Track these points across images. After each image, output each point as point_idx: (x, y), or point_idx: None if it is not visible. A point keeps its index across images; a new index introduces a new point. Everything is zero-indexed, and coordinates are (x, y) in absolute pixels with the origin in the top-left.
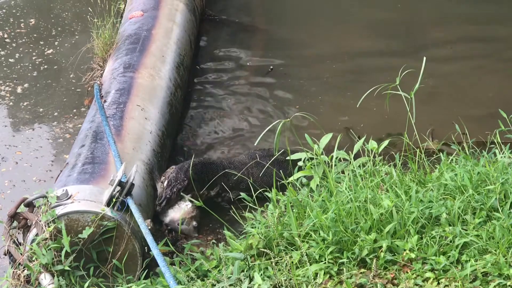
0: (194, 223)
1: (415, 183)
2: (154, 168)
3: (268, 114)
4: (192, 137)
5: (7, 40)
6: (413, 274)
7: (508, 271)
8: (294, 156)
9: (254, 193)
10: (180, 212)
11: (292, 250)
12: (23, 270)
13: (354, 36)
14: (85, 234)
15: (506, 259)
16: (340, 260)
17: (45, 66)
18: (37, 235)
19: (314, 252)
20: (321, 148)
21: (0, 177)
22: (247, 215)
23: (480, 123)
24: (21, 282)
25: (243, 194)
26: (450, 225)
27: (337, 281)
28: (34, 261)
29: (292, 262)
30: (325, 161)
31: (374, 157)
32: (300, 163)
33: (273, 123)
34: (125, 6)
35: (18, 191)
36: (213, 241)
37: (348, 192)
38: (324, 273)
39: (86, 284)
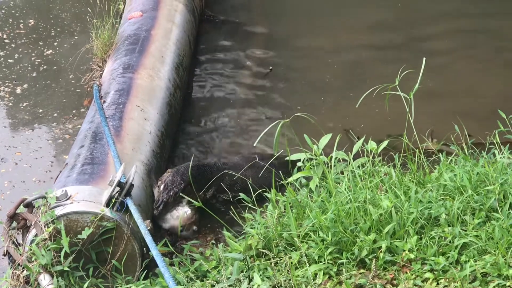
0: (194, 227)
1: (415, 183)
2: (152, 171)
3: (268, 114)
4: (191, 138)
5: (6, 40)
6: (412, 274)
7: (508, 271)
8: (293, 157)
9: (248, 194)
10: (179, 220)
11: (291, 250)
12: (23, 271)
13: (355, 35)
14: (85, 234)
15: (505, 259)
16: (340, 261)
17: (45, 67)
18: (36, 235)
19: (314, 252)
20: (320, 149)
21: None
22: (246, 215)
23: (480, 123)
24: (21, 282)
25: (242, 195)
26: (449, 226)
27: (337, 282)
28: (33, 261)
29: (292, 263)
30: (324, 162)
31: (374, 157)
32: (299, 164)
33: (272, 124)
34: (124, 6)
35: (18, 192)
36: (213, 241)
37: (348, 192)
38: (324, 273)
39: (86, 285)
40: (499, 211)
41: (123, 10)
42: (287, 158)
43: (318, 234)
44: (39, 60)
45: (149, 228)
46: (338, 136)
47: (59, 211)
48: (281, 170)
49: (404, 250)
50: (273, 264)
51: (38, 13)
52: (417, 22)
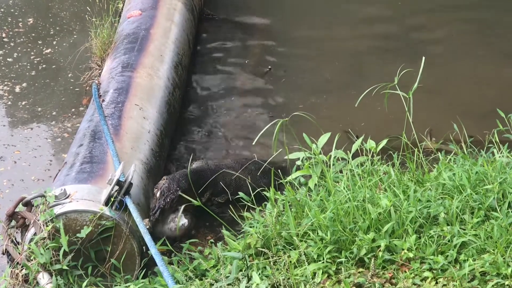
0: (193, 232)
1: (414, 182)
2: (151, 170)
3: (267, 113)
4: (191, 136)
5: (5, 39)
6: (411, 273)
7: (506, 270)
8: (292, 156)
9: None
10: (180, 231)
11: (290, 249)
12: (21, 269)
13: (356, 33)
14: (83, 233)
15: (504, 258)
16: (338, 260)
17: (44, 66)
18: (35, 234)
19: (312, 251)
20: (319, 148)
21: None
22: (245, 214)
23: (479, 122)
24: (19, 281)
25: (241, 194)
26: (448, 225)
27: (335, 281)
28: (32, 260)
29: (290, 262)
30: (323, 161)
31: (373, 156)
32: (298, 163)
33: (271, 123)
34: (123, 5)
35: (17, 191)
36: (211, 240)
37: (346, 191)
38: (322, 272)
39: (84, 284)
40: (498, 210)
41: (122, 9)
42: (285, 157)
43: (317, 233)
44: (38, 59)
45: (148, 227)
46: (337, 135)
47: (58, 210)
48: (265, 175)
49: (403, 249)
50: (272, 263)
51: (37, 12)
52: (417, 20)
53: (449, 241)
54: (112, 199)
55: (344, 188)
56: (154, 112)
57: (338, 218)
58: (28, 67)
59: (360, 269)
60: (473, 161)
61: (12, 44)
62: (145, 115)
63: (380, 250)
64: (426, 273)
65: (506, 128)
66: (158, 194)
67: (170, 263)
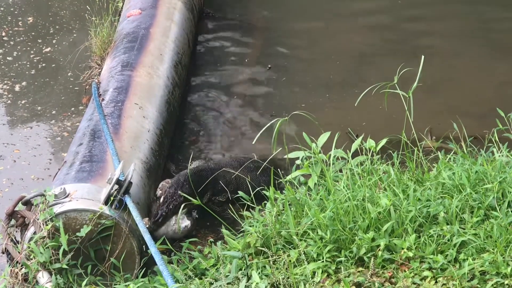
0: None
1: (413, 182)
2: (150, 169)
3: (268, 112)
4: (190, 135)
5: (5, 38)
6: (411, 272)
7: (506, 269)
8: (292, 155)
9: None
10: (181, 232)
11: (290, 248)
12: (21, 268)
13: (355, 33)
14: (83, 232)
15: (504, 257)
16: (338, 259)
17: (43, 64)
18: (35, 233)
19: (312, 250)
20: (319, 147)
21: None
22: (245, 213)
23: (479, 121)
24: (19, 280)
25: (240, 193)
26: (448, 224)
27: (335, 280)
28: (32, 259)
29: (290, 261)
30: (323, 160)
31: (372, 155)
32: (298, 162)
33: (271, 122)
34: (123, 4)
35: (16, 190)
36: (211, 239)
37: (346, 190)
38: (322, 271)
39: (84, 283)
40: (498, 209)
41: (121, 8)
42: (285, 156)
43: (317, 232)
44: (37, 58)
45: (147, 226)
46: (337, 134)
47: (57, 209)
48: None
49: (402, 248)
50: (271, 262)
51: (37, 10)
52: (417, 18)
53: (448, 240)
54: (112, 198)
55: (343, 187)
56: (154, 111)
57: (337, 217)
58: (28, 66)
59: (360, 268)
60: (473, 161)
61: (12, 43)
62: (144, 114)
63: (379, 249)
64: (426, 272)
65: (506, 127)
66: (161, 200)
67: (170, 262)
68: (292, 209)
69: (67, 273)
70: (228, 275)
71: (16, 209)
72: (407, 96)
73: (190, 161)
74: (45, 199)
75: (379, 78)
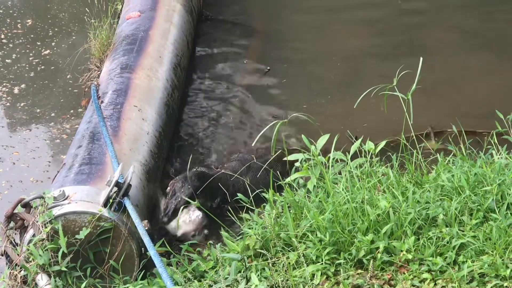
0: (206, 231)
1: (412, 184)
2: (150, 171)
3: (265, 114)
4: (190, 138)
5: (4, 40)
6: (410, 275)
7: (505, 272)
8: (291, 157)
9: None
10: (192, 224)
11: (289, 251)
12: (20, 271)
13: (355, 34)
14: (82, 234)
15: (503, 260)
16: (337, 261)
17: (42, 67)
18: (34, 235)
19: (311, 253)
20: (318, 149)
21: None
22: (244, 216)
23: (479, 123)
24: (18, 282)
25: (239, 195)
26: (447, 226)
27: (334, 282)
28: (31, 261)
29: (289, 263)
30: (322, 162)
31: (372, 158)
32: (297, 164)
33: (270, 124)
34: (122, 6)
35: (15, 192)
36: (210, 242)
37: (345, 193)
38: (321, 274)
39: (83, 285)
40: (497, 211)
41: (121, 10)
42: (284, 159)
43: (316, 235)
44: (36, 60)
45: (146, 228)
46: (336, 136)
47: (56, 211)
48: (279, 168)
49: (401, 251)
50: (270, 265)
51: (36, 13)
52: (417, 20)
53: (448, 242)
54: (111, 201)
55: (343, 189)
56: (153, 113)
57: (337, 219)
58: (27, 68)
59: (359, 271)
60: (472, 163)
61: (10, 45)
62: (144, 117)
63: (378, 252)
64: (425, 275)
65: (505, 129)
66: (170, 194)
67: (169, 264)
68: (291, 211)
69: (66, 276)
70: (227, 277)
71: (15, 211)
72: (406, 98)
73: (189, 162)
74: (44, 201)
75: (379, 80)
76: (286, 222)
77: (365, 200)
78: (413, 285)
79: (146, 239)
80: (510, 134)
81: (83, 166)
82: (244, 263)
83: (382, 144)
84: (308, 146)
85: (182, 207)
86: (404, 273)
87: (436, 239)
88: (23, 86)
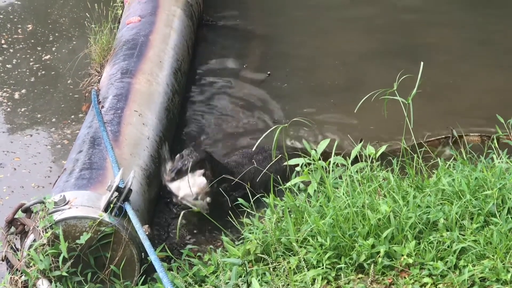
0: (208, 198)
1: (413, 188)
2: (150, 176)
3: (266, 119)
4: (190, 142)
5: (4, 45)
6: (411, 279)
7: (506, 276)
8: (291, 162)
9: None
10: (195, 187)
11: (289, 255)
12: (21, 276)
13: (356, 38)
14: (83, 239)
15: (504, 264)
16: (338, 266)
17: (43, 72)
18: (34, 240)
19: (312, 257)
20: (319, 154)
21: None
22: (244, 220)
23: (480, 127)
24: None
25: (240, 200)
26: (447, 230)
27: (335, 287)
28: (31, 267)
29: (290, 268)
30: (322, 167)
31: (372, 162)
32: (297, 169)
33: (271, 129)
34: (122, 11)
35: (16, 197)
36: (211, 246)
37: (346, 197)
38: (322, 278)
39: None
40: (498, 215)
41: (121, 15)
42: (285, 163)
43: (317, 239)
44: (37, 65)
45: (147, 233)
46: (336, 140)
47: (57, 216)
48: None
49: (402, 255)
50: (271, 269)
51: (36, 18)
52: (418, 24)
53: (448, 246)
54: (112, 205)
55: (343, 194)
56: (154, 118)
57: (337, 224)
58: (27, 73)
59: (360, 275)
60: (473, 167)
61: (11, 50)
62: (144, 121)
63: (379, 256)
64: (426, 279)
65: (505, 133)
66: (177, 157)
67: (170, 269)
68: (292, 216)
69: (67, 281)
70: (228, 282)
71: (16, 216)
72: (407, 102)
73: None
74: (45, 206)
75: (381, 84)
76: (286, 226)
77: (366, 204)
78: None
79: (146, 244)
80: (511, 138)
81: (84, 171)
82: (245, 268)
83: (383, 148)
84: (308, 151)
85: (186, 171)
86: (405, 278)
87: (437, 243)
88: (23, 91)
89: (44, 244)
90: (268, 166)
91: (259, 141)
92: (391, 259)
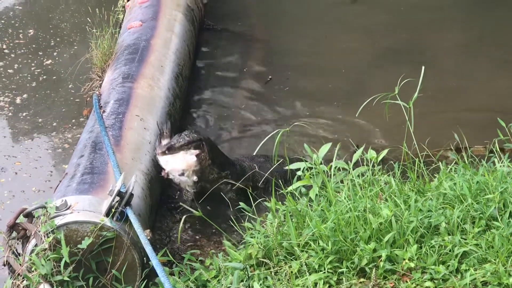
0: (195, 177)
1: (414, 192)
2: (152, 181)
3: (267, 123)
4: None
5: (6, 51)
6: (412, 283)
7: (508, 280)
8: (293, 166)
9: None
10: (183, 163)
11: (291, 259)
12: (22, 281)
13: (357, 42)
14: (84, 244)
15: (505, 268)
16: (340, 270)
17: (44, 77)
18: (36, 245)
19: (314, 261)
20: (320, 158)
21: None
22: (246, 225)
23: (480, 131)
24: None
25: (242, 204)
26: (449, 234)
27: None
28: (33, 271)
29: (292, 272)
30: (324, 171)
31: (374, 166)
32: (299, 173)
33: (272, 133)
34: (123, 16)
35: (18, 202)
36: (213, 251)
37: (347, 201)
38: (324, 282)
39: None
40: (499, 219)
41: (122, 20)
42: (286, 167)
43: (318, 243)
44: (38, 70)
45: (149, 237)
46: (338, 144)
47: (59, 221)
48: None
49: (404, 259)
50: (273, 273)
51: (38, 23)
52: (420, 28)
53: (450, 250)
54: (113, 210)
55: (345, 198)
56: (155, 123)
57: (339, 228)
58: (29, 78)
59: (361, 279)
60: (474, 171)
61: (12, 55)
62: (145, 126)
63: (381, 260)
64: (428, 283)
65: (506, 137)
66: (176, 135)
67: (171, 274)
68: (293, 220)
69: (69, 285)
70: (230, 287)
71: (18, 221)
72: (408, 106)
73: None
74: (47, 211)
75: (382, 88)
76: (288, 231)
77: (367, 208)
78: None
79: (148, 249)
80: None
81: (85, 176)
82: (246, 272)
83: (384, 152)
84: (310, 155)
85: (179, 147)
86: (406, 282)
87: (439, 247)
88: (25, 96)
89: (45, 249)
90: (270, 170)
91: (260, 144)
92: (393, 263)
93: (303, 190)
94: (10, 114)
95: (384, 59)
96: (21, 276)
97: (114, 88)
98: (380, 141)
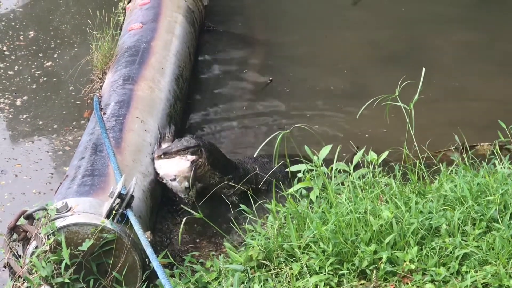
0: (186, 183)
1: (415, 194)
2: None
3: (268, 125)
4: None
5: (6, 52)
6: (413, 285)
7: (509, 282)
8: (293, 168)
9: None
10: (176, 168)
11: (292, 261)
12: (23, 283)
13: (358, 44)
14: (85, 246)
15: (506, 270)
16: (340, 272)
17: (45, 79)
18: (36, 247)
19: (314, 263)
20: (321, 160)
21: None
22: (246, 227)
23: (481, 133)
24: None
25: (243, 206)
26: (450, 236)
27: None
28: (34, 273)
29: (292, 274)
30: (325, 173)
31: (374, 168)
32: (299, 175)
33: (273, 135)
34: (124, 18)
35: (18, 204)
36: (213, 253)
37: (348, 203)
38: (324, 284)
39: None
40: (500, 221)
41: (123, 22)
42: (287, 170)
43: (319, 245)
44: (39, 72)
45: (149, 239)
46: (338, 147)
47: (59, 223)
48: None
49: (405, 261)
50: (273, 275)
51: (38, 25)
52: (420, 29)
53: (451, 252)
54: (114, 212)
55: (345, 200)
56: (156, 124)
57: (339, 230)
58: (29, 80)
59: (362, 281)
60: (475, 173)
61: (13, 57)
62: (146, 128)
63: (382, 262)
64: (428, 285)
65: (507, 139)
66: (176, 140)
67: (172, 275)
68: (294, 222)
69: (69, 287)
70: None
71: (18, 223)
72: (408, 108)
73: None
74: (47, 213)
75: (386, 89)
76: (289, 233)
77: (368, 210)
78: None
79: (149, 251)
80: None
81: (86, 178)
82: (247, 274)
83: (385, 154)
84: (310, 157)
85: (176, 152)
86: (407, 283)
87: (439, 249)
88: (25, 98)
89: (46, 251)
90: (271, 171)
91: (261, 146)
92: (394, 265)
93: (304, 192)
94: (10, 116)
95: (385, 60)
96: (21, 278)
97: (115, 90)
98: (380, 143)
